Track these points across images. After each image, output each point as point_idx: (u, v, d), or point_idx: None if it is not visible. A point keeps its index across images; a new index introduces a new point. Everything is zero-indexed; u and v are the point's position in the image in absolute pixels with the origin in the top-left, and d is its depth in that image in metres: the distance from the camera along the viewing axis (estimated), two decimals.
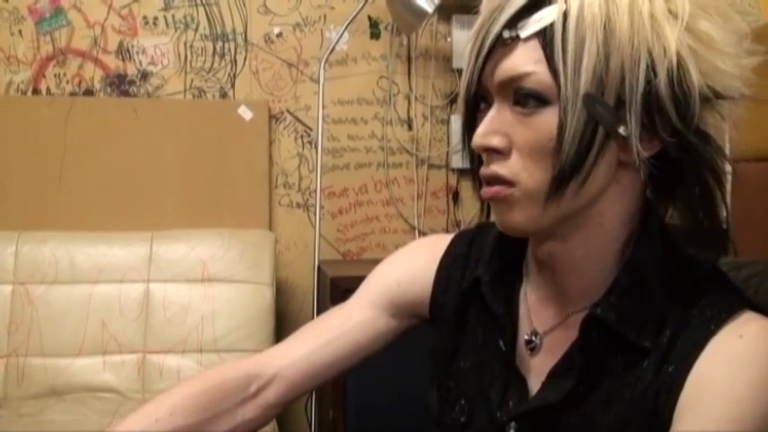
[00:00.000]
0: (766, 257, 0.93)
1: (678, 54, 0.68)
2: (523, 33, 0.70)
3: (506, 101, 0.73)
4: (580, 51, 0.68)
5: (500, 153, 0.73)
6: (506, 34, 0.71)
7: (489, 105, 0.75)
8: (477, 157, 0.78)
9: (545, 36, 0.70)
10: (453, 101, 2.68)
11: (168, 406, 0.86)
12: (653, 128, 0.70)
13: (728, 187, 1.30)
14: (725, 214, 0.73)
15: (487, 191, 0.75)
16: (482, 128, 0.73)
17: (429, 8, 2.27)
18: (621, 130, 0.69)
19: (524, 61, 0.70)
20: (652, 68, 0.68)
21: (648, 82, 0.68)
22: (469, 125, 0.77)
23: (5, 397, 2.09)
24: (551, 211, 0.72)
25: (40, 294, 2.18)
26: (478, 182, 0.78)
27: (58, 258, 2.21)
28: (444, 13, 2.59)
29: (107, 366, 2.15)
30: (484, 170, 0.75)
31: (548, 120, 0.70)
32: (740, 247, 0.79)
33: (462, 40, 2.62)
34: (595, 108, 0.68)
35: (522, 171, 0.72)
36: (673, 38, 0.67)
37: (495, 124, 0.73)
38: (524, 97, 0.71)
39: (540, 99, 0.70)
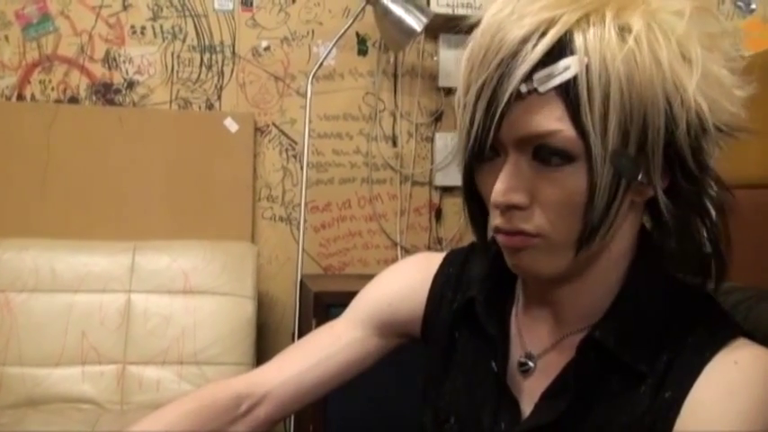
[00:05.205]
0: (753, 283, 0.95)
1: (695, 102, 0.67)
2: (543, 88, 0.67)
3: (524, 154, 0.70)
4: (606, 107, 0.66)
5: (521, 209, 0.71)
6: (524, 89, 0.67)
7: (496, 153, 0.72)
8: (475, 202, 0.77)
9: (567, 91, 0.67)
10: (438, 119, 2.70)
11: (163, 423, 0.87)
12: (668, 170, 0.71)
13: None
14: (727, 244, 0.75)
15: (508, 240, 0.73)
16: (502, 184, 0.70)
17: (418, 27, 2.29)
18: (641, 177, 0.69)
19: (546, 118, 0.67)
20: (672, 119, 0.67)
21: (669, 131, 0.68)
22: (471, 173, 0.76)
23: None
24: (579, 258, 0.72)
25: (19, 303, 2.15)
26: (479, 226, 0.78)
27: (38, 266, 2.19)
28: (432, 32, 2.62)
29: (86, 377, 2.13)
30: (504, 225, 0.72)
31: (574, 177, 0.68)
32: (728, 273, 0.81)
33: (449, 60, 2.64)
34: (621, 162, 0.67)
35: (546, 225, 0.71)
36: (690, 87, 0.67)
37: (514, 179, 0.70)
38: (548, 155, 0.68)
39: (565, 156, 0.68)
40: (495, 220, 0.73)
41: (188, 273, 2.26)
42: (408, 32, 2.32)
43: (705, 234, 0.74)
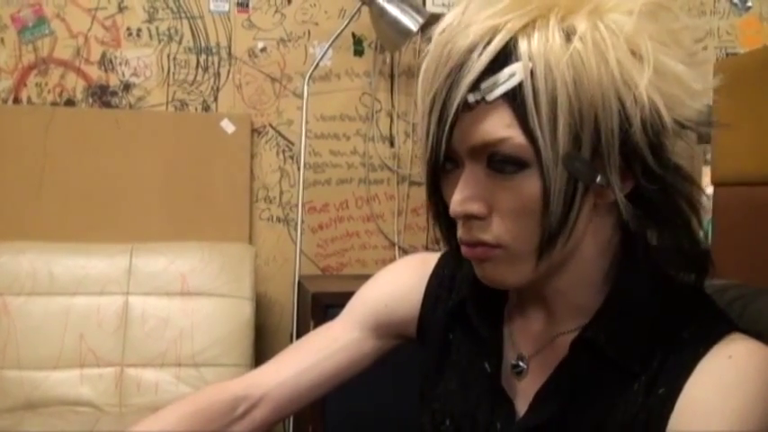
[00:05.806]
0: (748, 280, 0.95)
1: (649, 98, 0.66)
2: (489, 97, 0.67)
3: (479, 163, 0.71)
4: (554, 111, 0.66)
5: (479, 218, 0.71)
6: (471, 98, 0.67)
7: (456, 165, 0.73)
8: (442, 215, 0.77)
9: (514, 97, 0.67)
10: None
11: (161, 426, 0.88)
12: (629, 171, 0.70)
13: (709, 208, 1.33)
14: (703, 237, 0.74)
15: (470, 251, 0.74)
16: (459, 194, 0.71)
17: (413, 27, 2.29)
18: (599, 179, 0.69)
19: (496, 126, 0.68)
20: (626, 118, 0.67)
21: (624, 131, 0.67)
22: (434, 185, 0.76)
23: None
24: (540, 266, 0.72)
25: (17, 306, 2.15)
26: (450, 238, 0.78)
27: (36, 269, 2.19)
28: (428, 31, 2.61)
29: (84, 380, 2.13)
30: (464, 236, 0.73)
31: (529, 183, 0.69)
32: (722, 270, 0.81)
33: None
34: (575, 166, 0.67)
35: (504, 234, 0.71)
36: (642, 85, 0.66)
37: (471, 189, 0.71)
38: (501, 162, 0.69)
39: (518, 163, 0.68)
40: (459, 231, 0.74)
41: (186, 274, 2.26)
42: (404, 33, 2.32)
43: (680, 230, 0.73)
